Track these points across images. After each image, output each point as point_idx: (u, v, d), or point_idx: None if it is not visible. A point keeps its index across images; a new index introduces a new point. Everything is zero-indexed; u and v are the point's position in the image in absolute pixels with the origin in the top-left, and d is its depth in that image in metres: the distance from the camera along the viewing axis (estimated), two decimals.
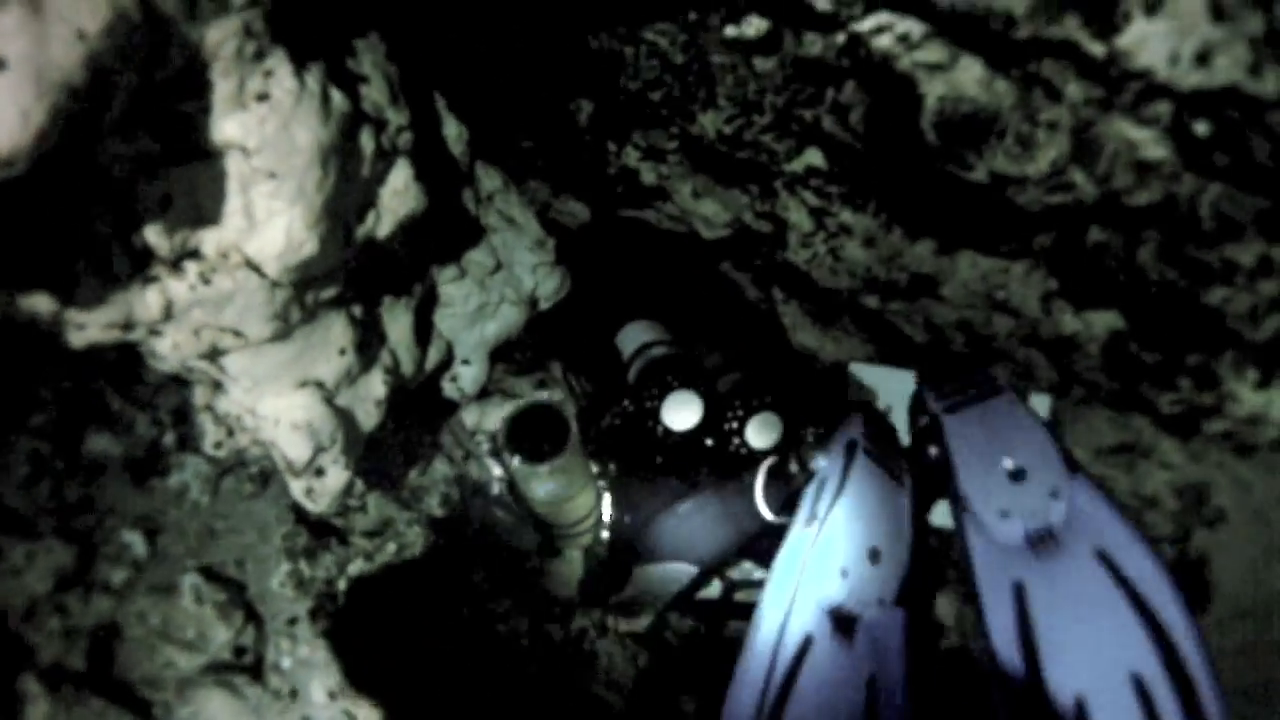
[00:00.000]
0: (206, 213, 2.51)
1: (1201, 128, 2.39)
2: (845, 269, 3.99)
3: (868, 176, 3.66)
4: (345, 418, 3.19)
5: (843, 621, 1.93)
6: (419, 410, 4.15)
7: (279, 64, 2.45)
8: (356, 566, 3.72)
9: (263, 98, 2.43)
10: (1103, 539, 2.06)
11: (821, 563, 1.99)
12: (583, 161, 4.30)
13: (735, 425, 3.29)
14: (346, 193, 2.70)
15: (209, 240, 2.56)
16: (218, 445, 3.02)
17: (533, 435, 3.29)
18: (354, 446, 3.26)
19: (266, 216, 2.52)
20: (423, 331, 3.58)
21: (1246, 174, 2.48)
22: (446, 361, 3.93)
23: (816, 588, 1.96)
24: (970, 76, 2.86)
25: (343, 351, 3.03)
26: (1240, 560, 3.90)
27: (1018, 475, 2.23)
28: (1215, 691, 1.80)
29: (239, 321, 2.72)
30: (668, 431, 3.30)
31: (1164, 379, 3.28)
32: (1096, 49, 2.41)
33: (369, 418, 3.27)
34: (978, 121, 2.92)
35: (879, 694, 1.89)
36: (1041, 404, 4.09)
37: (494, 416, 4.58)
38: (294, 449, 3.03)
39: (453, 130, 3.64)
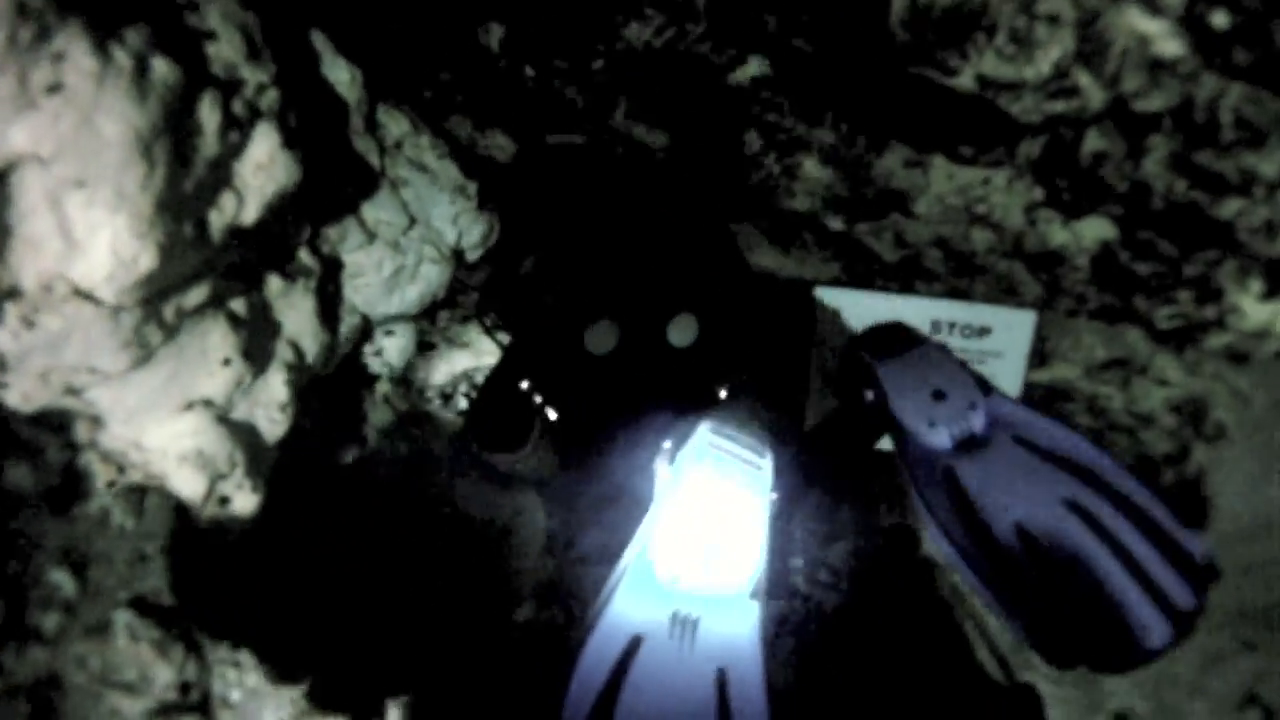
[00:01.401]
0: (11, 244, 1.88)
1: (1219, 19, 2.12)
2: (803, 189, 3.39)
3: (823, 85, 3.05)
4: (244, 433, 2.58)
5: (681, 620, 1.93)
6: (342, 390, 3.56)
7: (72, 42, 1.76)
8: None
9: (54, 89, 1.76)
10: (1020, 430, 2.42)
11: (648, 574, 2.00)
12: (502, 91, 3.63)
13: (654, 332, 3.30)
14: (189, 181, 2.04)
15: (25, 275, 1.91)
16: (110, 484, 2.42)
17: (495, 420, 3.17)
18: (261, 463, 2.67)
19: (87, 233, 1.86)
20: (329, 311, 2.95)
21: (1272, 74, 2.21)
22: (365, 336, 3.33)
23: (645, 596, 1.97)
24: None
25: (227, 361, 2.41)
26: (1240, 475, 3.72)
27: (939, 395, 2.57)
28: (1149, 494, 2.10)
29: (86, 358, 2.10)
30: (592, 357, 3.21)
31: (1160, 292, 3.05)
32: None
33: (274, 426, 2.67)
34: (960, 15, 2.31)
35: (729, 689, 1.85)
36: (1026, 320, 3.63)
37: (441, 370, 4.02)
38: (186, 484, 2.44)
39: (343, 75, 2.96)
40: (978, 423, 2.49)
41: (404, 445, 3.80)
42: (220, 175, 2.17)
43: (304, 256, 2.80)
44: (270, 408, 2.65)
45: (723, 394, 3.57)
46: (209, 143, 2.08)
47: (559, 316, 3.24)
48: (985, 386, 2.64)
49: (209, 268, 2.27)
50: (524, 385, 3.24)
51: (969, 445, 2.44)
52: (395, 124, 3.31)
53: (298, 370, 2.73)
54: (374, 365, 3.44)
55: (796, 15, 2.73)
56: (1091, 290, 3.43)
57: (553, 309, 3.33)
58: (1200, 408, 3.70)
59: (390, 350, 3.41)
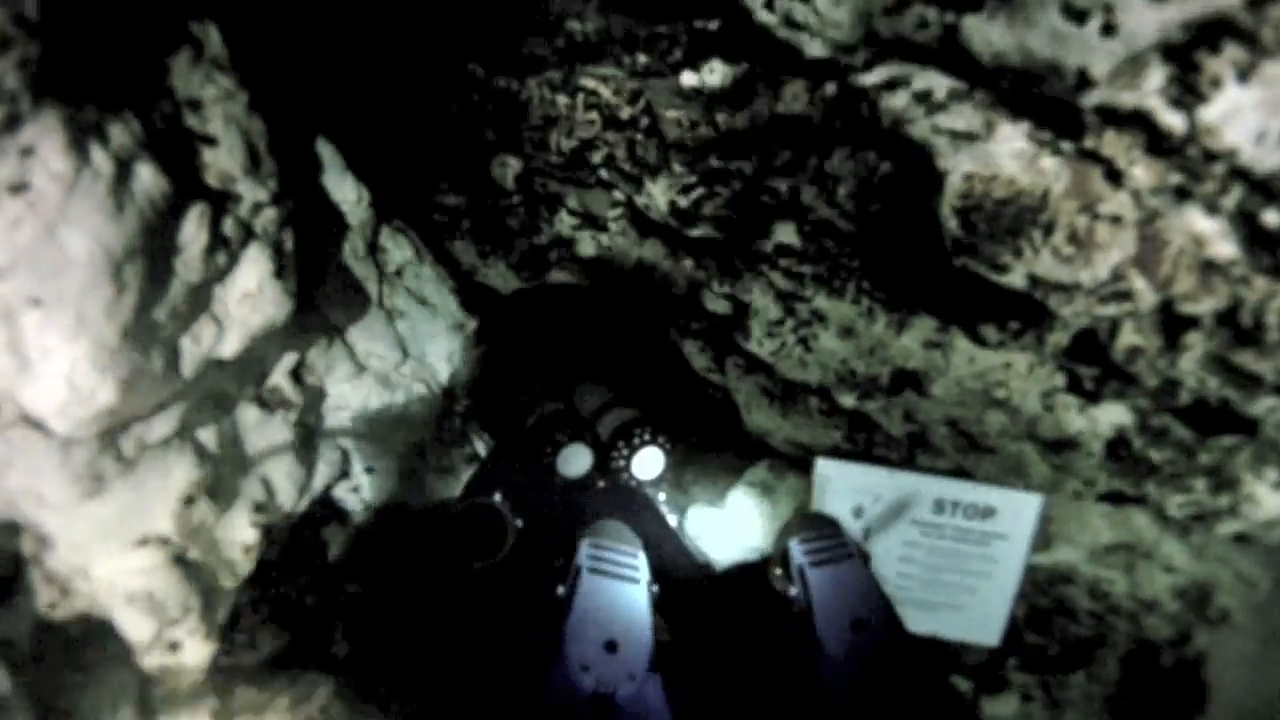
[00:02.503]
0: None
1: (1273, 217, 1.98)
2: (817, 361, 3.15)
3: (851, 257, 2.82)
4: (201, 576, 2.27)
5: (599, 701, 2.17)
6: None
7: (45, 135, 1.47)
8: None
9: (17, 189, 1.47)
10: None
11: (565, 671, 2.21)
12: (510, 227, 3.41)
13: (622, 464, 3.34)
14: (164, 308, 1.76)
15: None
16: (51, 606, 2.08)
17: (470, 533, 3.10)
18: (217, 609, 2.35)
19: (40, 358, 1.56)
20: (307, 446, 2.67)
21: None
22: (343, 473, 3.03)
23: (566, 688, 2.18)
24: (1009, 150, 2.04)
25: (189, 500, 2.11)
26: (1242, 660, 3.55)
27: (858, 623, 2.56)
28: None
29: (32, 486, 1.80)
30: (565, 480, 3.25)
31: (1174, 479, 2.85)
32: (1175, 122, 1.89)
33: (235, 569, 2.36)
34: (1017, 209, 2.08)
35: None
36: (1032, 504, 3.38)
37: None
38: (132, 626, 2.12)
39: (350, 194, 2.72)
40: (884, 658, 2.57)
41: None
42: (200, 302, 1.88)
43: (285, 386, 2.50)
44: (233, 549, 2.33)
45: (674, 521, 3.61)
46: (191, 266, 1.80)
47: (538, 440, 3.23)
48: (896, 623, 2.66)
49: (178, 398, 1.99)
50: (497, 499, 3.18)
51: (872, 670, 2.54)
52: (398, 249, 3.06)
53: (267, 510, 2.43)
54: (350, 502, 3.13)
55: (833, 189, 2.53)
56: (1102, 475, 3.21)
57: (533, 433, 3.29)
58: (1205, 592, 3.45)
59: (369, 488, 3.09)
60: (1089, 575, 3.68)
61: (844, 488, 3.49)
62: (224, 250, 1.92)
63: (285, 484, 2.50)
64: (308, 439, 2.66)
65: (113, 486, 1.94)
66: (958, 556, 3.65)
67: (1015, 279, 2.21)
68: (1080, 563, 3.64)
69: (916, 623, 3.64)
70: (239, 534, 2.33)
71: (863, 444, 3.80)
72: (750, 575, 3.56)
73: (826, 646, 2.53)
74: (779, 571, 2.93)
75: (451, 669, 3.54)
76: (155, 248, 1.71)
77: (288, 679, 2.90)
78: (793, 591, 2.80)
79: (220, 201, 1.97)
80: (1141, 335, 2.48)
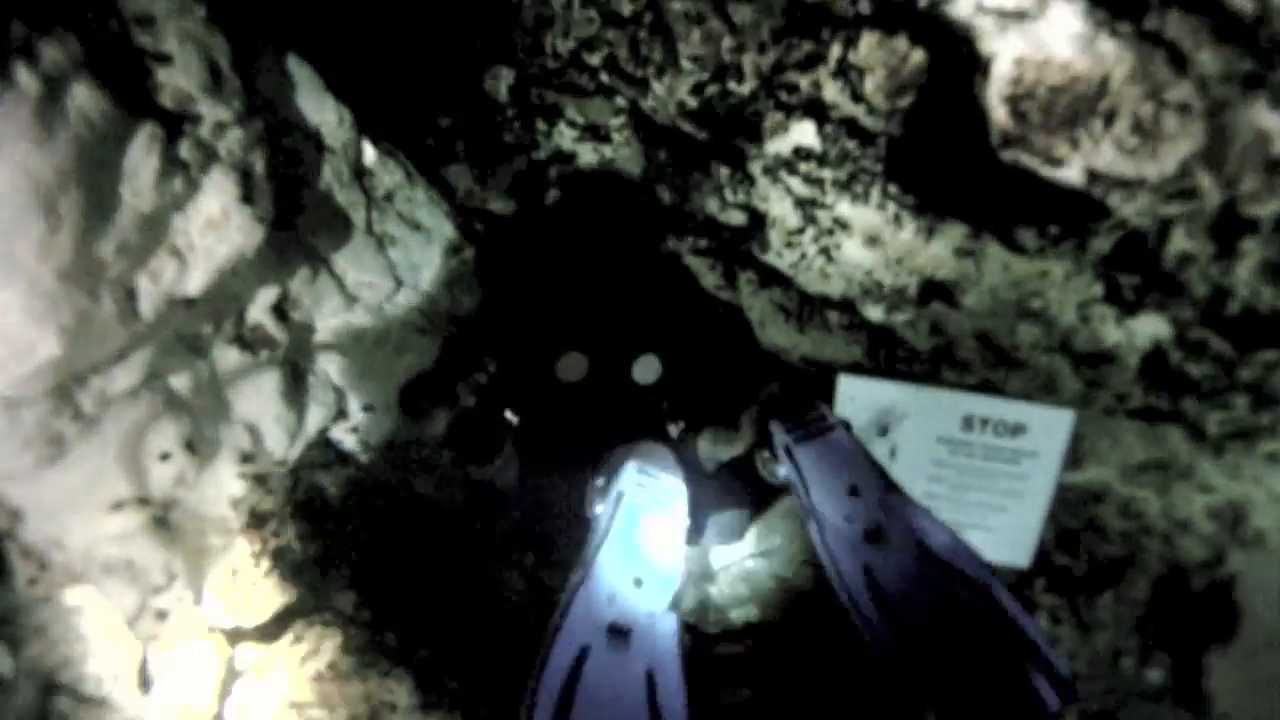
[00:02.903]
0: None
1: None
2: (840, 273, 2.90)
3: (876, 160, 2.56)
4: (187, 537, 2.06)
5: (617, 631, 2.18)
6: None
7: None
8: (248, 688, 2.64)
9: None
10: (918, 530, 2.45)
11: (592, 597, 2.22)
12: (506, 143, 3.13)
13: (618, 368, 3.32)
14: (111, 243, 1.51)
15: None
16: (31, 581, 1.88)
17: (474, 438, 3.10)
18: (204, 569, 2.15)
19: None
20: (297, 388, 2.44)
21: None
22: (339, 413, 2.80)
23: (590, 614, 2.18)
24: (1064, 31, 1.77)
25: (165, 456, 1.89)
26: (1274, 581, 3.39)
27: (853, 491, 2.61)
28: (1023, 611, 2.18)
29: None
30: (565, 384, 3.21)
31: (1213, 395, 2.72)
32: (1244, 3, 1.73)
33: (225, 525, 2.15)
34: (1073, 97, 1.82)
35: (657, 684, 2.11)
36: (1064, 420, 3.22)
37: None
38: (114, 597, 1.91)
39: (330, 115, 2.44)
40: (884, 519, 2.56)
41: None
42: (156, 234, 1.62)
43: (268, 323, 2.25)
44: (219, 504, 2.13)
45: (674, 431, 3.48)
46: (142, 194, 1.54)
47: (536, 346, 3.16)
48: (889, 483, 2.68)
49: (140, 344, 1.76)
50: (501, 407, 3.19)
51: (876, 537, 2.54)
52: (387, 173, 2.79)
53: (255, 459, 2.21)
54: (348, 444, 2.91)
55: (858, 82, 2.26)
56: (1137, 390, 2.99)
57: (532, 339, 3.20)
58: (1239, 513, 3.26)
59: (369, 428, 2.87)
60: (1121, 494, 3.48)
61: (868, 405, 3.28)
62: (181, 175, 1.66)
63: (274, 429, 2.27)
64: (297, 379, 2.42)
65: (75, 448, 1.72)
66: (987, 475, 3.45)
67: (1071, 174, 1.95)
68: (1112, 481, 3.44)
69: None
70: (225, 487, 2.12)
71: (884, 359, 3.57)
72: (742, 469, 3.41)
73: (827, 517, 2.60)
74: (765, 454, 2.98)
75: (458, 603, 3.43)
76: (97, 176, 1.46)
77: (293, 634, 2.71)
78: (782, 472, 2.84)
79: (177, 124, 1.71)
80: (1194, 240, 2.24)
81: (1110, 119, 1.84)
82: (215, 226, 1.77)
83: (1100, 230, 2.43)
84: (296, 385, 2.41)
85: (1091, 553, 3.76)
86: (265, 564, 2.83)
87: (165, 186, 1.62)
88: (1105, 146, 1.86)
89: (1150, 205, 1.99)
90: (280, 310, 2.34)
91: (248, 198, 1.83)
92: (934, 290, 2.86)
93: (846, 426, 2.89)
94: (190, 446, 1.96)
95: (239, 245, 1.82)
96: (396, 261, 2.69)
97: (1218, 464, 3.17)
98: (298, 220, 2.33)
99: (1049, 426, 3.28)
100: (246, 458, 2.16)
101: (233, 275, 1.93)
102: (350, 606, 2.97)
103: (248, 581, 2.81)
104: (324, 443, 2.94)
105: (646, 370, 3.37)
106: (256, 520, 2.78)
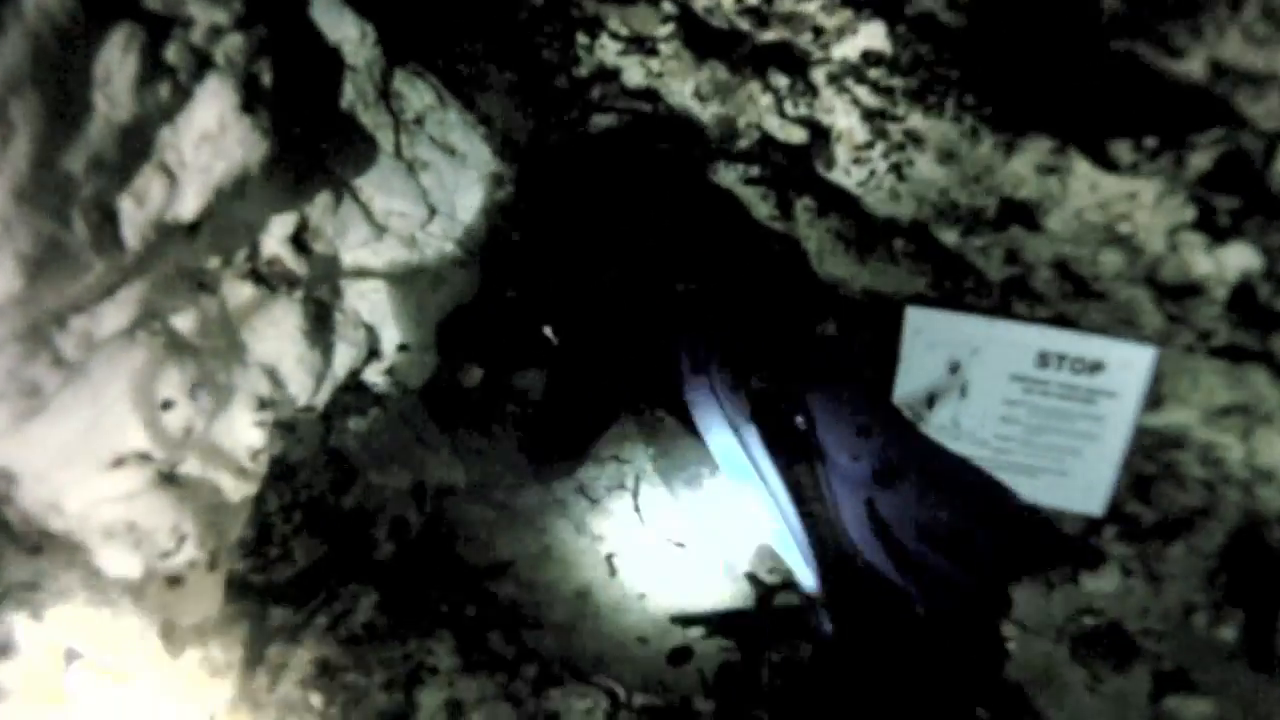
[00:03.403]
0: None
1: None
2: (911, 192, 2.60)
3: (951, 65, 2.25)
4: (200, 494, 1.83)
5: None
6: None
7: None
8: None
9: None
10: (930, 463, 2.68)
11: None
12: (545, 61, 2.83)
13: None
14: (80, 156, 1.25)
15: None
16: (35, 550, 1.65)
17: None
18: (227, 529, 1.92)
19: None
20: (322, 326, 2.19)
21: None
22: (371, 353, 2.56)
23: None
24: None
25: (167, 405, 1.66)
26: None
27: (863, 430, 2.65)
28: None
29: None
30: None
31: None
32: None
33: (244, 478, 1.92)
34: None
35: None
36: (1144, 357, 2.94)
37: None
38: (116, 564, 1.70)
39: (351, 30, 2.16)
40: (895, 456, 2.65)
41: None
42: (139, 149, 1.35)
43: (286, 256, 2.00)
44: (236, 455, 1.89)
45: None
46: (119, 101, 1.27)
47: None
48: (903, 422, 2.74)
49: (130, 278, 1.51)
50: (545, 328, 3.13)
51: (886, 475, 2.63)
52: (417, 95, 2.51)
53: (275, 404, 1.97)
54: (383, 386, 2.66)
55: None
56: (1223, 326, 2.69)
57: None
58: None
59: (406, 368, 2.61)
60: (1201, 439, 3.17)
61: (938, 339, 3.01)
62: (168, 82, 1.39)
63: (296, 372, 2.02)
64: (323, 317, 2.16)
65: (61, 398, 1.47)
66: (1062, 416, 3.15)
67: (1193, 66, 1.66)
68: (1193, 425, 3.13)
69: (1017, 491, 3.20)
70: (241, 436, 1.87)
71: (951, 291, 3.28)
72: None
73: (832, 455, 2.65)
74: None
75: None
76: (60, 79, 1.19)
77: (326, 594, 2.49)
78: (799, 422, 2.78)
79: (162, 25, 1.44)
80: None
81: (1238, 3, 1.53)
82: (211, 140, 1.50)
83: (1202, 144, 2.13)
84: (321, 323, 2.15)
85: (1167, 501, 3.48)
86: (297, 517, 2.62)
87: (148, 94, 1.35)
88: (1232, 35, 1.56)
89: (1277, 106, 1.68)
90: (300, 241, 2.08)
91: (248, 107, 1.56)
92: (1013, 212, 2.57)
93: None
94: (197, 390, 1.71)
95: (240, 161, 1.55)
96: (429, 188, 2.41)
97: None
98: (315, 142, 2.06)
99: (1129, 364, 2.99)
100: (265, 403, 1.91)
101: (238, 199, 1.66)
102: (389, 561, 2.76)
103: (281, 535, 2.60)
104: (358, 386, 2.71)
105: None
106: (286, 471, 2.56)
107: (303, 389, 2.06)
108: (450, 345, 3.04)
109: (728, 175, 3.46)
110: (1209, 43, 1.60)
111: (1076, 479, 3.25)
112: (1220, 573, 3.51)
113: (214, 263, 1.80)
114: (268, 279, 1.98)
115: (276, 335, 1.98)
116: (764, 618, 3.23)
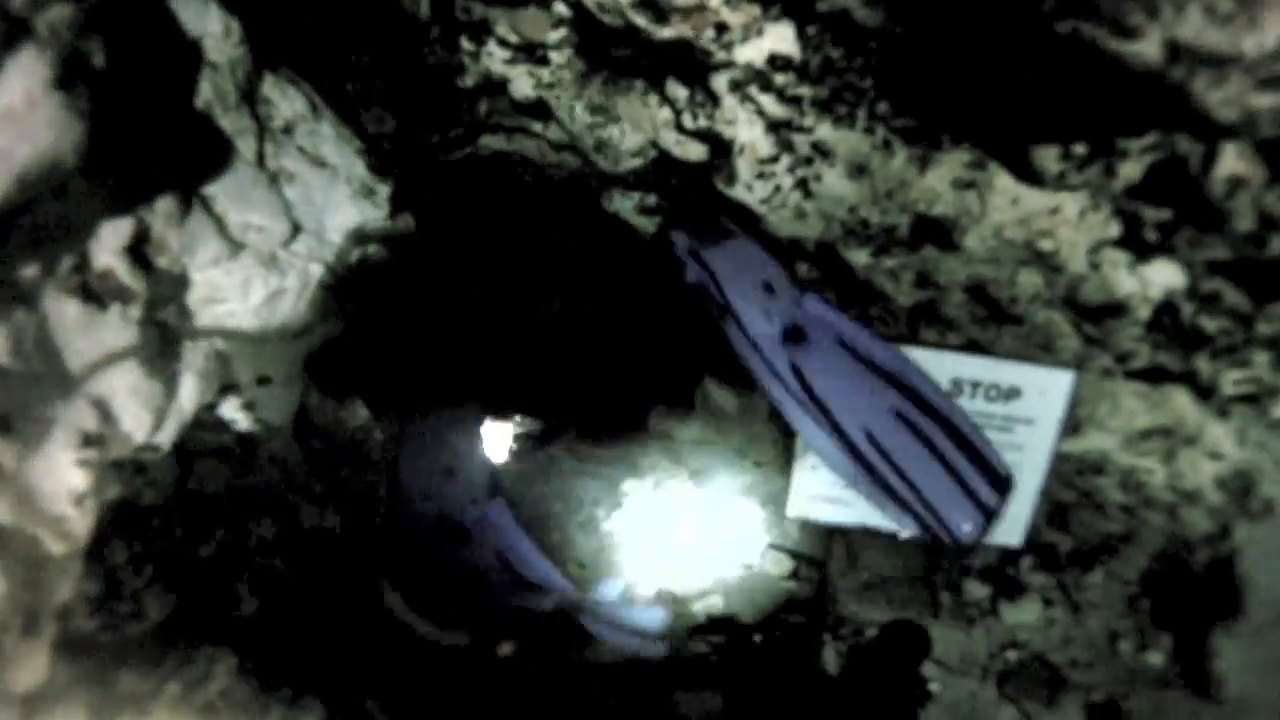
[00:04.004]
0: None
1: None
2: (819, 210, 2.43)
3: (864, 72, 2.09)
4: (10, 544, 1.54)
5: (447, 525, 2.33)
6: None
7: None
8: None
9: None
10: (838, 332, 2.61)
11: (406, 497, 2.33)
12: (430, 74, 2.60)
13: None
14: None
15: None
16: None
17: None
18: (44, 586, 1.62)
19: None
20: (165, 354, 1.91)
21: None
22: (228, 386, 2.26)
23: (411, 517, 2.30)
24: None
25: None
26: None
27: (768, 287, 2.58)
28: (952, 409, 2.58)
29: None
30: None
31: (1229, 352, 2.44)
32: None
33: (65, 527, 1.62)
34: None
35: (511, 564, 2.36)
36: (1062, 382, 2.89)
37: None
38: None
39: (214, 24, 1.91)
40: (801, 316, 2.57)
41: None
42: None
43: (120, 269, 1.72)
44: (55, 500, 1.61)
45: None
46: None
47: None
48: (801, 283, 2.62)
49: None
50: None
51: (796, 337, 2.56)
52: (287, 103, 2.26)
53: (104, 442, 1.69)
54: (242, 423, 2.38)
55: None
56: (1144, 347, 2.61)
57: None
58: (1248, 482, 2.87)
59: (265, 404, 2.34)
60: (1123, 464, 3.08)
61: None
62: None
63: (131, 404, 1.73)
64: (166, 342, 1.90)
65: None
66: None
67: (1147, 48, 1.50)
68: (1114, 450, 3.05)
69: None
70: (61, 478, 1.59)
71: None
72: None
73: (745, 315, 2.54)
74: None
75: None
76: None
77: (178, 657, 2.18)
78: (691, 276, 2.70)
79: None
80: (1244, 162, 1.84)
81: None
82: (15, 119, 1.25)
83: (1134, 151, 2.00)
84: (165, 349, 1.87)
85: (1086, 528, 3.37)
86: (148, 570, 2.31)
87: None
88: (1192, 12, 1.41)
89: (1239, 93, 1.54)
90: (139, 253, 1.80)
91: (65, 85, 1.30)
92: (928, 230, 2.43)
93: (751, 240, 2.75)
94: (4, 426, 1.43)
95: (49, 146, 1.29)
96: (294, 202, 2.16)
97: (1227, 428, 2.78)
98: (159, 141, 1.80)
99: (1046, 389, 2.89)
100: (91, 440, 1.63)
101: (57, 195, 1.40)
102: (253, 618, 2.45)
103: (131, 590, 2.29)
104: (217, 423, 2.42)
105: None
106: (136, 517, 2.26)
107: (139, 424, 1.77)
108: (326, 379, 2.77)
109: (623, 204, 3.27)
110: (1166, 22, 1.45)
111: None
112: (1142, 598, 3.40)
113: (30, 271, 1.52)
114: (99, 295, 1.69)
115: (108, 361, 1.70)
116: (670, 669, 3.00)
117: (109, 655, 2.12)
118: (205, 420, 2.29)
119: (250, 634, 2.26)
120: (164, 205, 1.81)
